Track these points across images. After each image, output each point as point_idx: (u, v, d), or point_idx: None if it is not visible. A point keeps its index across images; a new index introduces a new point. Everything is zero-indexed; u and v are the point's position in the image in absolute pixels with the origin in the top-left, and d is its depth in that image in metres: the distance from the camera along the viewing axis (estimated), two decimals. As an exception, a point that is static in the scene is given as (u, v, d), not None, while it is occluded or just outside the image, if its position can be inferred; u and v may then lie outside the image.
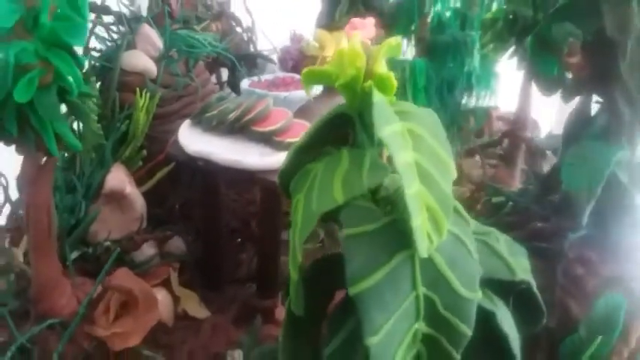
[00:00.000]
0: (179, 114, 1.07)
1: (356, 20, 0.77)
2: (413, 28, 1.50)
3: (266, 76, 1.36)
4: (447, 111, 1.55)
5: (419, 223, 0.47)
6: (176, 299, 0.94)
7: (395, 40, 0.61)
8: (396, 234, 0.50)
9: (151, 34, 1.05)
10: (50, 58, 0.63)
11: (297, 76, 1.33)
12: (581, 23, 0.61)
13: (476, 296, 0.52)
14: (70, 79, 0.67)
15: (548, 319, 0.70)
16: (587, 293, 0.71)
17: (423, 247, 0.47)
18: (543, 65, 0.69)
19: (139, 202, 0.99)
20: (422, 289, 0.51)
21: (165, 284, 0.94)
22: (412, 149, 0.52)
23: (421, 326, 0.52)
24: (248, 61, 1.46)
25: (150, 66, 1.04)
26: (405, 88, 1.47)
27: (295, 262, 0.57)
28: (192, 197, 1.10)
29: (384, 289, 0.50)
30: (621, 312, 0.64)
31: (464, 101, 1.51)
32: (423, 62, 1.46)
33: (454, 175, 0.53)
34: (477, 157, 1.48)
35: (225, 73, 1.47)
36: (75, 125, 0.84)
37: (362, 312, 0.50)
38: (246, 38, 1.56)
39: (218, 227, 1.05)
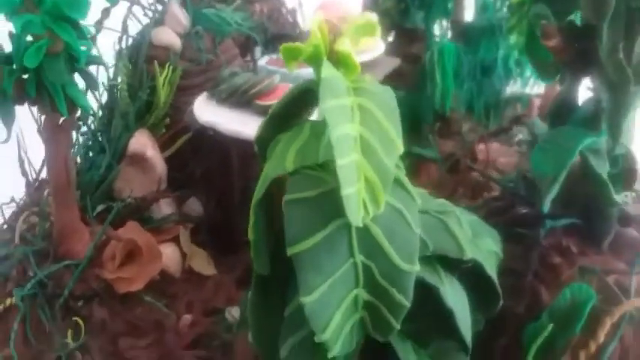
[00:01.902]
0: (202, 87, 1.09)
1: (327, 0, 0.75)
2: (450, 9, 1.45)
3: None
4: (483, 96, 1.50)
5: (348, 192, 0.46)
6: (185, 256, 0.97)
7: (364, 18, 0.59)
8: (335, 202, 0.50)
9: (177, 12, 1.07)
10: (55, 29, 0.66)
11: None
12: (556, 6, 0.57)
13: (413, 269, 0.51)
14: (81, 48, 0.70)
15: (516, 305, 0.68)
16: (560, 282, 0.67)
17: (354, 215, 0.47)
18: (538, 50, 0.65)
19: (159, 165, 1.02)
20: (360, 257, 0.51)
21: (177, 241, 0.97)
22: (359, 123, 0.52)
23: (361, 293, 0.52)
24: (282, 41, 1.45)
25: (175, 41, 1.06)
26: (433, 71, 1.42)
27: (251, 223, 0.58)
28: (211, 164, 1.12)
29: (319, 252, 0.50)
30: (588, 304, 0.60)
31: (506, 87, 1.45)
32: (452, 45, 1.41)
33: (400, 150, 0.51)
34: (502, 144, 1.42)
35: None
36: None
37: (298, 273, 0.50)
38: (291, 20, 1.55)
39: (231, 193, 1.07)
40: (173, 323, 0.79)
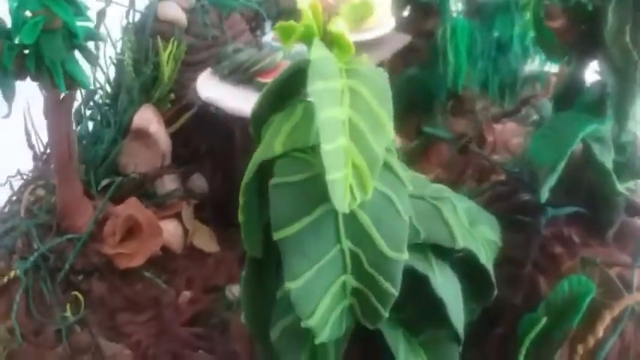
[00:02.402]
0: (207, 63, 1.07)
1: None
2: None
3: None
4: (499, 74, 1.45)
5: (333, 177, 0.45)
6: (187, 232, 0.97)
7: (359, 1, 0.57)
8: (322, 187, 0.48)
9: (183, -14, 1.05)
10: (51, 6, 0.65)
11: None
12: (562, -12, 0.54)
13: (401, 257, 0.49)
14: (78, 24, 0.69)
15: (513, 295, 0.65)
16: (561, 273, 0.64)
17: (340, 202, 0.45)
18: (545, 30, 0.62)
19: (163, 141, 1.02)
20: (347, 244, 0.49)
21: (179, 217, 0.97)
22: (349, 106, 0.50)
23: (349, 279, 0.51)
24: (293, 15, 1.42)
25: (180, 16, 1.04)
26: (446, 49, 1.38)
27: (240, 205, 0.57)
28: (216, 139, 1.11)
29: (305, 238, 0.49)
30: (586, 297, 0.57)
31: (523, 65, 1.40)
32: (465, 22, 1.36)
33: (391, 135, 0.50)
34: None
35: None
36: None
37: (284, 258, 0.49)
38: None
39: (236, 169, 1.06)
40: (171, 300, 0.79)
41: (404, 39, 1.24)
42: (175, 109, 1.06)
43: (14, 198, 1.00)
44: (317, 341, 0.50)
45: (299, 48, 1.15)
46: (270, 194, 0.50)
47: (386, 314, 0.50)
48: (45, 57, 0.70)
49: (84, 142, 1.04)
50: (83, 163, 1.01)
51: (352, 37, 1.21)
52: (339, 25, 0.54)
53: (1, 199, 0.98)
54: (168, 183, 1.02)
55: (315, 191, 0.48)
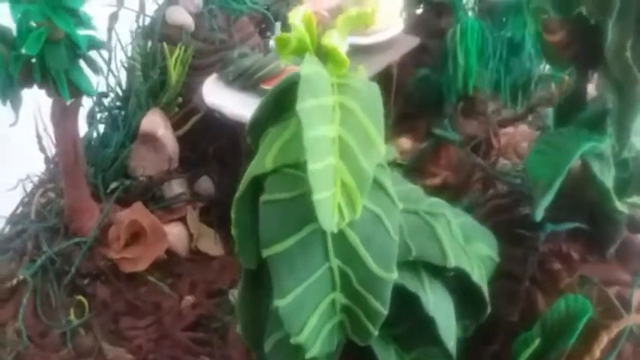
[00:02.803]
0: (215, 67, 1.07)
1: None
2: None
3: None
4: (511, 76, 1.42)
5: (320, 197, 0.44)
6: (192, 236, 0.97)
7: (356, 10, 0.56)
8: (311, 205, 0.47)
9: (191, -10, 1.05)
10: (53, 18, 0.66)
11: None
12: (560, 5, 0.51)
13: (391, 277, 0.48)
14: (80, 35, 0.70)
15: (510, 311, 0.63)
16: (558, 290, 0.62)
17: (326, 222, 0.45)
18: (547, 43, 0.60)
19: (170, 145, 1.02)
20: (336, 262, 0.49)
21: (185, 221, 0.98)
22: (339, 123, 0.49)
23: (338, 297, 0.50)
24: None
25: (188, 20, 1.04)
26: (455, 50, 1.36)
27: (233, 219, 0.57)
28: (223, 143, 1.11)
29: (294, 256, 0.49)
30: (582, 317, 0.55)
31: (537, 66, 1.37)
32: (476, 22, 1.33)
33: (382, 153, 0.49)
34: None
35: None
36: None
37: (272, 275, 0.49)
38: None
39: (241, 173, 1.06)
40: (172, 305, 0.79)
41: (412, 41, 1.22)
42: (183, 113, 1.06)
43: (26, 200, 1.02)
44: (307, 356, 0.50)
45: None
46: (260, 211, 0.50)
47: (375, 332, 0.50)
48: (49, 67, 0.71)
49: (93, 144, 1.05)
50: (93, 166, 1.02)
51: (359, 41, 1.20)
52: (332, 39, 0.54)
53: (15, 201, 1.00)
54: (176, 186, 1.03)
55: (304, 209, 0.48)
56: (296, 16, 0.52)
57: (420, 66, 1.52)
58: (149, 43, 1.04)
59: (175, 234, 0.92)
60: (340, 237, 0.48)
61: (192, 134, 1.08)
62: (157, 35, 1.03)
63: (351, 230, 0.47)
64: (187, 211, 0.98)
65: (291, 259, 0.48)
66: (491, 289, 0.59)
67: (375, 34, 1.13)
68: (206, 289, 0.86)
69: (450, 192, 1.26)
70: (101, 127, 1.08)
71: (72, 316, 0.77)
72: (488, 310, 0.53)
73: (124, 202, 0.98)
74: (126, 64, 1.10)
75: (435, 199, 0.59)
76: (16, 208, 1.00)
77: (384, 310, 0.48)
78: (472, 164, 1.26)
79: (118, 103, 1.12)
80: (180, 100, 1.05)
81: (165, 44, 0.99)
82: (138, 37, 1.04)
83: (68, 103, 0.79)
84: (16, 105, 0.74)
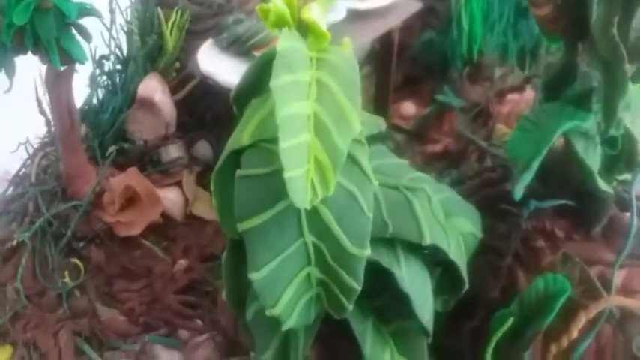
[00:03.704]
0: (212, 31, 1.05)
1: None
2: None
3: None
4: (519, 40, 1.38)
5: (291, 175, 0.44)
6: (188, 201, 0.98)
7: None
8: (284, 181, 0.47)
9: (187, -48, 1.02)
10: None
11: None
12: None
13: (363, 253, 0.48)
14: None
15: (491, 287, 0.63)
16: (541, 268, 0.61)
17: (298, 199, 0.44)
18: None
19: (167, 109, 1.02)
20: (310, 237, 0.49)
21: (181, 185, 0.98)
22: (314, 100, 0.48)
23: (314, 271, 0.50)
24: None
25: (185, -17, 1.02)
26: (460, 15, 1.31)
27: (212, 191, 0.57)
28: (220, 107, 1.11)
29: (268, 230, 0.49)
30: (560, 297, 0.54)
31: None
32: (479, -13, 1.29)
33: (356, 129, 0.48)
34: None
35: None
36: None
37: (247, 249, 0.49)
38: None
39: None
40: (164, 269, 0.81)
41: (415, 6, 1.19)
42: (180, 78, 1.05)
43: (29, 162, 1.03)
44: (283, 328, 0.51)
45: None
46: (235, 186, 0.50)
47: (350, 307, 0.50)
48: (40, 35, 0.70)
49: (92, 108, 1.05)
50: (92, 130, 1.03)
51: (358, 5, 1.17)
52: (312, 13, 0.52)
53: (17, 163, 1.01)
54: (173, 151, 1.03)
55: (279, 185, 0.47)
56: (273, -8, 0.50)
57: (427, 28, 1.48)
58: (147, 8, 1.03)
59: (171, 198, 0.93)
60: (314, 213, 0.48)
61: (190, 99, 1.07)
62: (154, 0, 1.01)
63: (325, 207, 0.47)
64: (183, 176, 0.98)
65: (266, 233, 0.48)
66: (474, 263, 0.59)
67: (374, -1, 1.10)
68: (199, 253, 0.87)
69: (450, 159, 1.25)
70: (101, 92, 1.08)
71: (67, 278, 0.79)
72: (466, 286, 0.53)
73: (122, 166, 0.99)
74: (125, 29, 1.09)
75: (418, 174, 0.59)
76: (19, 171, 1.01)
77: (357, 286, 0.48)
78: (475, 131, 1.24)
79: (118, 67, 1.11)
80: (177, 64, 1.04)
81: (159, 10, 0.97)
82: (136, 2, 1.03)
83: (61, 69, 0.78)
84: (10, 72, 0.74)
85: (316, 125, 0.47)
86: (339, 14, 1.00)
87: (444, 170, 1.11)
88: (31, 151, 1.03)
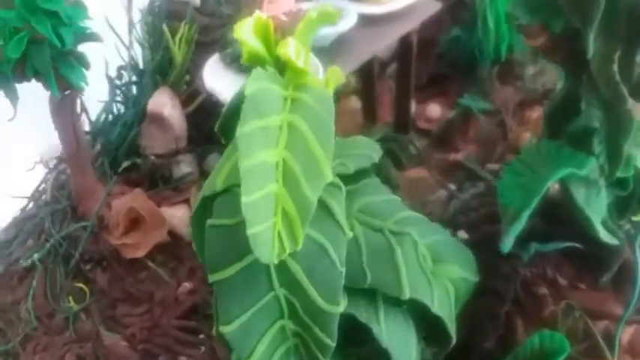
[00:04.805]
0: (221, 42, 1.04)
1: None
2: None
3: (310, 4, 0.98)
4: None
5: (254, 231, 0.42)
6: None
7: (317, 11, 0.51)
8: (253, 233, 0.45)
9: (195, -37, 1.00)
10: (32, 21, 0.65)
11: (342, 3, 1.02)
12: (533, 5, 0.43)
13: (336, 309, 0.46)
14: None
15: (486, 337, 0.58)
16: (541, 318, 0.56)
17: (264, 255, 0.43)
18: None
19: (177, 124, 1.01)
20: (281, 291, 0.47)
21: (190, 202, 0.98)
22: (284, 146, 0.46)
23: (288, 323, 0.48)
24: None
25: (193, -5, 1.01)
26: (485, 14, 1.24)
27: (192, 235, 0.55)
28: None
29: (238, 283, 0.47)
30: (558, 357, 0.49)
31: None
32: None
33: (328, 177, 0.45)
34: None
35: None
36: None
37: (218, 300, 0.48)
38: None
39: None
40: (166, 294, 0.81)
41: (434, 6, 1.13)
42: (191, 91, 1.05)
43: (47, 177, 1.06)
44: (260, 379, 0.50)
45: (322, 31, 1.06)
46: (206, 236, 0.48)
47: (327, 361, 0.48)
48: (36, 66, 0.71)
49: (107, 122, 1.06)
50: (105, 145, 1.04)
51: (371, 10, 1.12)
52: (289, 49, 0.49)
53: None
54: (184, 166, 1.03)
55: (246, 237, 0.46)
56: (243, 30, 0.48)
57: (456, 23, 1.41)
58: (156, 21, 1.02)
59: (179, 217, 0.93)
60: (283, 267, 0.46)
61: (200, 111, 1.07)
62: (163, 12, 1.01)
63: (294, 261, 0.45)
64: (192, 193, 0.98)
65: (236, 286, 0.47)
66: (471, 305, 0.55)
67: (390, 2, 1.05)
68: (204, 275, 0.86)
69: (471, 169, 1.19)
70: (115, 107, 1.09)
71: (71, 303, 0.80)
72: (453, 342, 0.50)
73: (134, 182, 1.00)
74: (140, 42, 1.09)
75: (408, 214, 0.55)
76: (39, 185, 1.04)
77: (330, 343, 0.46)
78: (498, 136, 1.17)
79: (134, 79, 1.12)
80: (187, 77, 1.04)
81: (165, 27, 0.96)
82: (145, 15, 1.02)
83: (66, 93, 0.79)
84: (13, 100, 0.75)
85: (285, 174, 0.45)
86: (349, 22, 0.96)
87: (464, 182, 1.06)
88: (47, 168, 1.06)
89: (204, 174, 1.05)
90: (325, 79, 0.54)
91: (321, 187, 0.44)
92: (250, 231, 0.42)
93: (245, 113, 0.45)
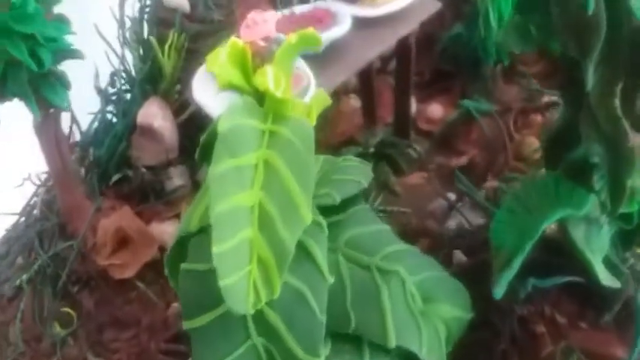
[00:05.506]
0: (213, 49, 1.01)
1: (256, 16, 0.61)
2: None
3: (304, 8, 1.01)
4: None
5: (226, 283, 0.39)
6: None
7: (297, 38, 0.48)
8: (228, 280, 0.43)
9: (184, -32, 0.97)
10: (6, 45, 0.63)
11: (335, 6, 0.99)
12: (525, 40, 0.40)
13: (317, 360, 0.44)
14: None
15: None
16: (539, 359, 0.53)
17: (238, 306, 0.40)
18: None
19: (168, 134, 0.99)
20: (259, 340, 0.45)
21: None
22: (260, 187, 0.43)
23: (268, 372, 0.46)
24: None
25: (182, 1, 0.97)
26: (487, 18, 1.19)
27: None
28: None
29: (214, 331, 0.45)
30: None
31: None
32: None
33: (306, 222, 0.42)
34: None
35: None
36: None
37: (193, 348, 0.46)
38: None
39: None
40: (153, 319, 0.79)
41: (434, 6, 1.08)
42: (183, 100, 1.02)
43: (40, 191, 1.03)
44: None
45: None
46: (180, 281, 0.46)
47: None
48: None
49: (98, 133, 1.04)
50: (96, 157, 1.01)
51: (367, 13, 1.07)
52: (267, 78, 0.46)
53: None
54: (176, 178, 1.01)
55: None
56: (216, 59, 0.45)
57: (460, 18, 1.36)
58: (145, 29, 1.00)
59: (170, 232, 0.90)
60: (260, 316, 0.43)
61: (193, 121, 1.04)
62: (153, 20, 0.98)
63: (271, 310, 0.43)
64: (183, 208, 0.96)
65: (211, 334, 0.44)
66: (466, 340, 0.52)
67: (386, 4, 1.01)
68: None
69: (476, 173, 1.15)
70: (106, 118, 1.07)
71: (58, 328, 0.79)
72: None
73: (125, 196, 0.98)
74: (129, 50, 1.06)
75: (398, 247, 0.52)
76: (29, 201, 1.02)
77: (313, 395, 0.44)
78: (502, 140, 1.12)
79: (127, 87, 1.09)
80: (178, 87, 1.01)
81: (152, 38, 0.93)
82: (133, 23, 0.99)
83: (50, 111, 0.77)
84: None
85: (261, 217, 0.42)
86: (343, 28, 0.92)
87: (464, 193, 1.02)
88: (38, 182, 1.03)
89: (196, 186, 1.03)
90: (309, 104, 0.52)
91: (299, 230, 0.41)
92: (222, 283, 0.39)
93: (218, 152, 0.43)
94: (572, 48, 0.37)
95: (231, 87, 0.47)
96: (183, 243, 0.48)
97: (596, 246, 0.47)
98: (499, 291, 0.48)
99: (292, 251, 0.41)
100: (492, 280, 0.48)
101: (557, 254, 0.51)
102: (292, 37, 0.47)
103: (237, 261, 0.40)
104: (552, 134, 0.49)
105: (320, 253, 0.44)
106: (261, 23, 0.59)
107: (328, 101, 0.53)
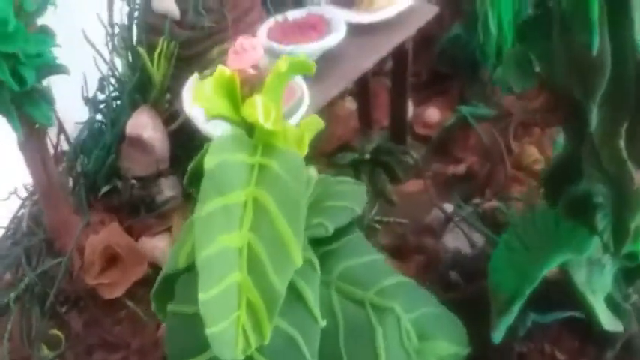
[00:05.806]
0: (204, 55, 0.99)
1: (245, 42, 0.58)
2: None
3: (297, 13, 1.00)
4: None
5: (213, 331, 0.38)
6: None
7: (286, 63, 0.46)
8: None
9: (173, -26, 0.94)
10: None
11: (330, 12, 0.98)
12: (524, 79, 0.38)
13: (307, 407, 0.42)
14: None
15: None
16: None
17: (225, 353, 0.39)
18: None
19: (158, 145, 0.97)
20: (251, 386, 0.43)
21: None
22: (249, 228, 0.41)
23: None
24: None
25: (172, 7, 0.95)
26: (486, 23, 1.17)
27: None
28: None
29: (202, 376, 0.44)
30: None
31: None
32: (507, -14, 1.14)
33: (297, 262, 0.41)
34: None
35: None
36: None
37: (180, 392, 0.45)
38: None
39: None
40: (143, 341, 0.77)
41: (431, 11, 1.06)
42: (174, 108, 1.00)
43: (27, 203, 1.01)
44: None
45: (288, 48, 0.98)
46: (166, 322, 0.44)
47: None
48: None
49: (87, 144, 1.02)
50: (83, 169, 0.99)
51: (361, 19, 1.05)
52: (257, 108, 0.45)
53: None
54: (167, 190, 0.99)
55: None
56: (203, 90, 0.43)
57: (458, 18, 1.34)
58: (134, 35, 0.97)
59: (161, 247, 0.89)
60: (250, 361, 0.42)
61: (184, 130, 1.02)
62: (142, 26, 0.95)
63: (261, 355, 0.41)
64: (174, 221, 0.94)
65: (200, 379, 0.43)
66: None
67: (382, 9, 0.99)
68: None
69: (474, 184, 1.13)
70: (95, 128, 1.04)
71: (46, 350, 0.77)
72: None
73: (114, 209, 0.96)
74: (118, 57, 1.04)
75: (394, 279, 0.51)
76: (15, 215, 1.00)
77: None
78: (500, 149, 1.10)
79: (116, 94, 1.07)
80: (169, 96, 0.99)
81: (140, 49, 0.91)
82: (122, 30, 0.97)
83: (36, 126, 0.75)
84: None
85: (250, 260, 0.40)
86: (338, 36, 0.90)
87: (467, 199, 0.99)
88: (25, 194, 1.01)
89: (187, 197, 1.01)
90: (301, 131, 0.50)
91: (290, 273, 0.40)
92: (209, 330, 0.38)
93: (204, 191, 0.41)
94: (576, 90, 0.36)
95: (219, 118, 0.45)
96: (170, 280, 0.46)
97: (597, 286, 0.45)
98: (498, 335, 0.46)
99: (283, 295, 0.39)
100: (491, 325, 0.46)
101: (558, 290, 0.49)
102: (282, 65, 0.46)
103: (225, 307, 0.39)
104: (552, 170, 0.47)
105: (312, 295, 0.43)
106: (250, 50, 0.57)
107: (321, 125, 0.51)
